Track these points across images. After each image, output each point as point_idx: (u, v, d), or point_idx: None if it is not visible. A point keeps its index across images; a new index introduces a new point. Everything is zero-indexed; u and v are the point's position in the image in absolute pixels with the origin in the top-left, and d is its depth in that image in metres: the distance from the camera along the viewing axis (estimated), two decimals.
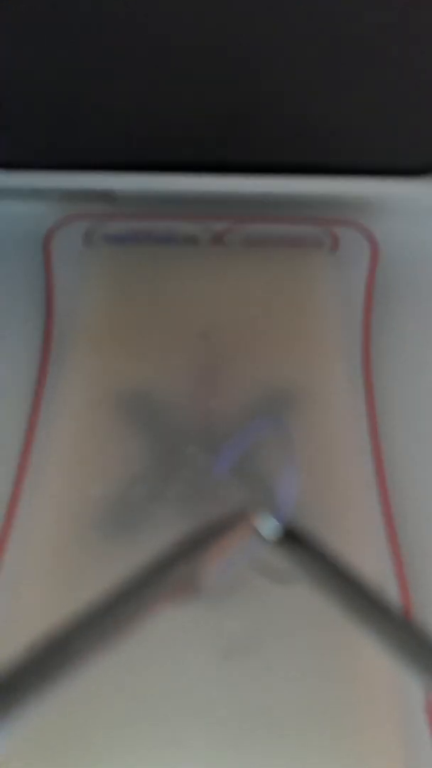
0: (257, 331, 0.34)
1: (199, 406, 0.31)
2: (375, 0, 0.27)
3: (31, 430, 0.32)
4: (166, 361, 0.32)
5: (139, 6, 0.28)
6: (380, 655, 0.25)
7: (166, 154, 0.35)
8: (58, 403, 0.32)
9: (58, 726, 0.24)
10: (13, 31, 0.29)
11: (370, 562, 0.28)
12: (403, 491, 0.30)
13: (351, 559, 0.28)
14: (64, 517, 0.29)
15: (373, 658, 0.26)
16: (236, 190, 0.36)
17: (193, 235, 0.38)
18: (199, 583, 0.19)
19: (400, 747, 0.24)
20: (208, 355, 0.33)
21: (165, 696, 0.25)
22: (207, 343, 0.33)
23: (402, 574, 0.28)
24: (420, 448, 0.32)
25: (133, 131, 0.34)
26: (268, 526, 0.21)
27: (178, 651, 0.26)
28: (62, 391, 0.32)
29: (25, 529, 0.29)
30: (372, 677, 0.25)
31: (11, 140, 0.35)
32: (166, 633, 0.26)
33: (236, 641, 0.26)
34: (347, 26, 0.28)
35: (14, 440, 0.31)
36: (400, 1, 0.27)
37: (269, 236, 0.38)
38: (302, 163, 0.35)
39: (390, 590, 0.28)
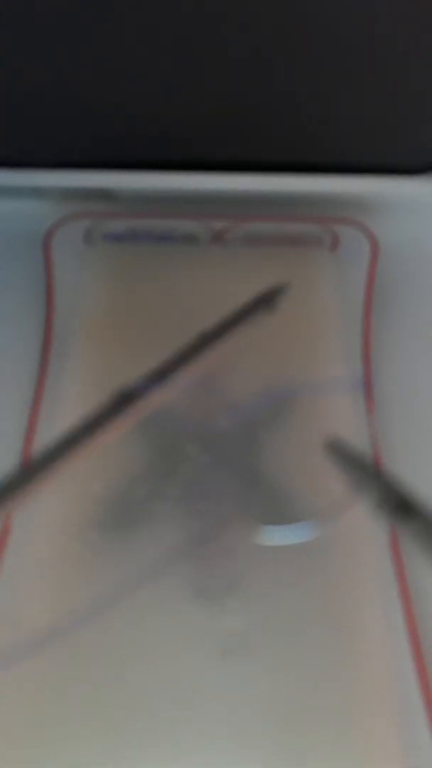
0: (257, 330, 0.34)
1: (199, 406, 0.31)
2: None
3: (31, 429, 0.32)
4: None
5: (139, 4, 0.28)
6: (380, 655, 0.26)
7: (167, 152, 0.35)
8: (58, 402, 0.32)
9: (57, 724, 0.24)
10: (12, 29, 0.29)
11: (371, 559, 0.28)
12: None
13: (352, 553, 0.28)
14: (64, 516, 0.29)
15: (373, 658, 0.26)
16: (236, 188, 0.36)
17: (193, 234, 0.38)
18: None
19: (400, 747, 0.24)
20: (208, 354, 0.33)
21: (164, 695, 0.25)
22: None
23: (403, 575, 0.28)
24: (419, 447, 0.32)
25: (133, 129, 0.34)
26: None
27: (176, 649, 0.26)
28: (62, 389, 0.32)
29: (26, 528, 0.29)
30: (372, 677, 0.25)
31: (11, 139, 0.35)
32: (165, 631, 0.26)
33: (235, 640, 0.26)
34: (348, 24, 0.28)
35: (14, 438, 0.31)
36: (401, 0, 0.27)
37: (269, 235, 0.38)
38: (302, 161, 0.35)
39: (389, 585, 0.28)
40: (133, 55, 0.30)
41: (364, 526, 0.29)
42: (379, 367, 0.34)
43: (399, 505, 0.19)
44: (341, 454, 0.21)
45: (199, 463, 0.30)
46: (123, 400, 0.24)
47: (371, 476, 0.19)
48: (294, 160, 0.35)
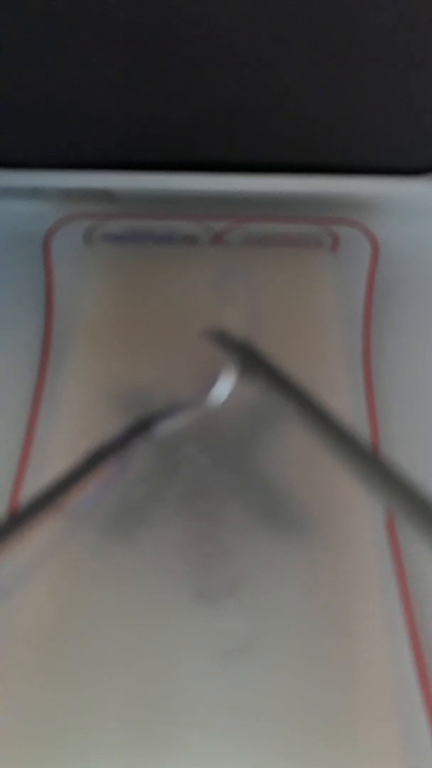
0: (257, 331, 0.34)
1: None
2: None
3: (31, 429, 0.32)
4: (165, 361, 0.32)
5: (139, 4, 0.28)
6: (380, 655, 0.26)
7: (166, 152, 0.35)
8: (57, 402, 0.32)
9: (58, 725, 0.24)
10: (13, 30, 0.29)
11: (371, 561, 0.28)
12: None
13: (352, 555, 0.28)
14: (64, 516, 0.29)
15: (373, 659, 0.26)
16: (236, 189, 0.36)
17: (193, 235, 0.38)
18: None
19: (399, 747, 0.24)
20: (208, 355, 0.33)
21: (164, 696, 0.25)
22: (207, 342, 0.33)
23: (402, 572, 0.28)
24: (420, 447, 0.32)
25: (133, 130, 0.34)
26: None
27: (177, 650, 0.26)
28: (62, 390, 0.32)
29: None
30: (372, 677, 0.25)
31: (11, 139, 0.35)
32: (165, 633, 0.26)
33: (235, 641, 0.26)
34: (348, 24, 0.28)
35: (14, 438, 0.31)
36: (401, 1, 0.27)
37: (269, 236, 0.38)
38: (303, 162, 0.35)
39: (389, 586, 0.28)
40: (133, 56, 0.30)
41: (364, 528, 0.29)
42: (380, 367, 0.34)
43: (247, 363, 0.22)
44: (220, 340, 0.24)
45: (199, 464, 0.30)
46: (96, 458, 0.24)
47: (233, 348, 0.24)
48: (294, 161, 0.35)
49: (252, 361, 0.22)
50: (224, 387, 0.25)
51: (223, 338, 0.24)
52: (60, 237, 0.38)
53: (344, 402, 0.32)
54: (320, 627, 0.26)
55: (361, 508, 0.29)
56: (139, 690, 0.25)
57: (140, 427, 0.25)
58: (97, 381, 0.32)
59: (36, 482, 0.30)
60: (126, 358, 0.33)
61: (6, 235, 0.38)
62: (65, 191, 0.38)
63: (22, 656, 0.25)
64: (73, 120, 0.34)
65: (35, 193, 0.38)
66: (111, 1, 0.28)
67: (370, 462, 0.19)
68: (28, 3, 0.28)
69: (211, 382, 0.28)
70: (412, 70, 0.31)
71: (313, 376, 0.32)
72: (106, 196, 0.38)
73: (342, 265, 0.37)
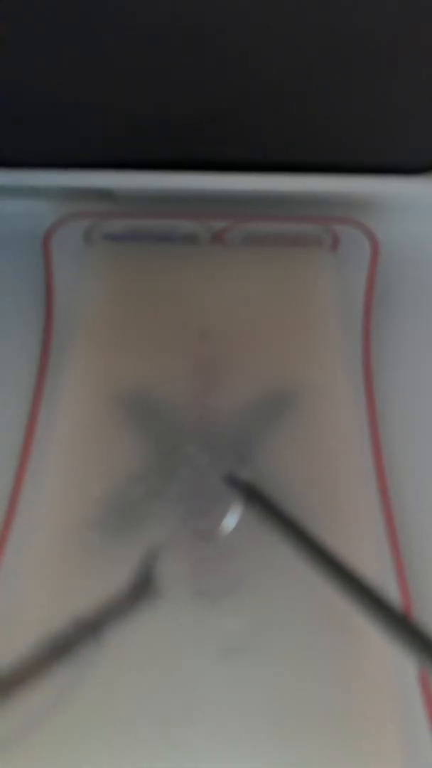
0: (257, 330, 0.34)
1: (199, 405, 0.31)
2: None
3: (31, 428, 0.32)
4: (165, 360, 0.32)
5: (139, 3, 0.28)
6: (380, 655, 0.26)
7: (167, 152, 0.35)
8: (57, 402, 0.32)
9: (60, 725, 0.24)
10: (13, 29, 0.29)
11: (369, 555, 0.28)
12: (403, 487, 0.31)
13: (350, 551, 0.28)
14: (64, 516, 0.29)
15: (373, 658, 0.26)
16: (236, 188, 0.36)
17: (193, 234, 0.38)
18: None
19: (399, 747, 0.24)
20: (208, 354, 0.33)
21: (165, 694, 0.25)
22: (207, 341, 0.33)
23: (401, 567, 0.28)
24: (419, 445, 0.32)
25: (133, 129, 0.34)
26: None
27: (178, 650, 0.26)
28: (62, 389, 0.32)
29: (26, 528, 0.29)
30: (372, 677, 0.26)
31: (11, 138, 0.35)
32: (166, 632, 0.26)
33: (235, 641, 0.26)
34: (348, 24, 0.28)
35: (14, 438, 0.31)
36: (401, 0, 0.27)
37: (269, 235, 0.38)
38: (303, 161, 0.35)
39: (388, 583, 0.28)
40: (133, 55, 0.30)
41: (362, 523, 0.29)
42: (380, 366, 0.34)
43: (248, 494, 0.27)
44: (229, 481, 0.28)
45: (199, 463, 0.30)
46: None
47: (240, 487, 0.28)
48: (294, 160, 0.35)
49: (256, 498, 0.27)
50: (232, 519, 0.27)
51: (233, 479, 0.28)
52: (60, 236, 0.38)
53: (344, 399, 0.32)
54: (321, 627, 0.26)
55: (360, 501, 0.29)
56: (138, 688, 0.25)
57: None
58: (97, 381, 0.32)
59: (36, 482, 0.30)
60: (126, 358, 0.33)
61: (6, 234, 0.38)
62: (65, 191, 0.38)
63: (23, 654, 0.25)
64: (73, 119, 0.34)
65: (35, 193, 0.38)
66: (111, 2, 0.28)
67: (363, 591, 0.22)
68: (28, 2, 0.28)
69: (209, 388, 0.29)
70: (411, 69, 0.31)
71: (313, 375, 0.33)
72: (106, 195, 0.38)
73: (342, 265, 0.37)
